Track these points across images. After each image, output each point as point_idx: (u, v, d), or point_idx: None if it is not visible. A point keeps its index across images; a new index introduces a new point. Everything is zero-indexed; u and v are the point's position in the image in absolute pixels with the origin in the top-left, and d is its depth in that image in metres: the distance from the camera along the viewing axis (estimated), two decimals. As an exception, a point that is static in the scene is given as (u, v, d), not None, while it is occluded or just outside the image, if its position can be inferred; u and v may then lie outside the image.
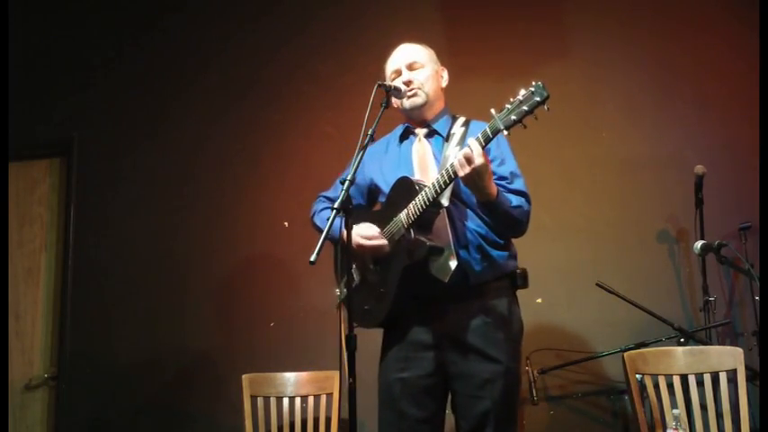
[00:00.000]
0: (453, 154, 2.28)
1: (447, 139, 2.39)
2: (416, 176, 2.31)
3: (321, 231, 2.38)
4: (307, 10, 3.84)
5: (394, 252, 2.27)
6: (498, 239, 2.31)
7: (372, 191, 2.49)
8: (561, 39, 3.52)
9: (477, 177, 2.10)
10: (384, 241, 2.27)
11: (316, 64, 3.76)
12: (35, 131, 3.99)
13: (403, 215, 2.23)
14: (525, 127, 2.05)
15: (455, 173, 2.12)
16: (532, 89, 2.03)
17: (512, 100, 2.05)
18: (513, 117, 2.03)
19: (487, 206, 2.21)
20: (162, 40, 3.98)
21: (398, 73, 2.43)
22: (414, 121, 2.47)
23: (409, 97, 2.40)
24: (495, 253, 2.29)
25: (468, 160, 2.07)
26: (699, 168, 3.09)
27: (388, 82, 2.45)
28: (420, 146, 2.42)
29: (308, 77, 3.76)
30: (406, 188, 2.27)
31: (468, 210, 2.30)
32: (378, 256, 2.30)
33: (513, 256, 2.36)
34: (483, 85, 3.48)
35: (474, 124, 2.41)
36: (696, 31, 3.42)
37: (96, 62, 4.01)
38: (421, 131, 2.45)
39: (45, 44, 4.07)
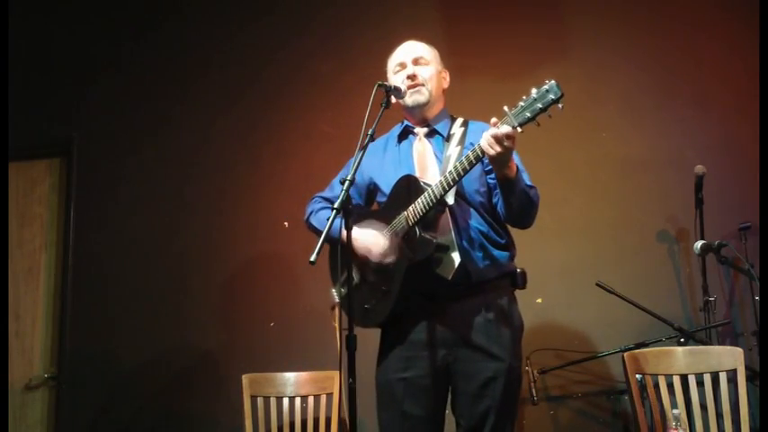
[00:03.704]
0: (455, 154, 2.30)
1: (447, 139, 2.39)
2: (417, 175, 2.31)
3: (318, 232, 2.40)
4: (307, 10, 3.84)
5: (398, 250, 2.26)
6: (499, 239, 2.32)
7: (371, 190, 2.49)
8: (561, 39, 3.52)
9: (506, 155, 2.06)
10: (392, 257, 2.24)
11: (316, 64, 3.76)
12: (35, 131, 3.99)
13: (407, 212, 2.23)
14: (539, 125, 2.02)
15: (470, 163, 2.09)
16: (546, 87, 2.00)
17: (525, 97, 2.03)
18: (528, 114, 2.01)
19: (508, 184, 2.15)
20: (162, 39, 3.99)
21: (403, 66, 2.43)
22: (414, 119, 2.47)
23: (412, 94, 2.39)
24: (496, 252, 2.30)
25: (508, 137, 2.01)
26: (699, 168, 3.09)
27: (390, 76, 2.46)
28: (420, 145, 2.42)
29: (308, 77, 3.76)
30: (409, 186, 2.27)
31: (470, 208, 2.30)
32: (382, 260, 2.27)
33: (513, 257, 2.37)
34: (483, 85, 3.48)
35: (473, 124, 2.42)
36: (696, 31, 3.42)
37: (96, 62, 4.01)
38: (421, 131, 2.45)
39: (45, 44, 4.07)
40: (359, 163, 2.13)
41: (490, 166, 2.21)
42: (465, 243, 2.24)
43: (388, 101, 2.29)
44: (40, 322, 3.88)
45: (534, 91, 2.02)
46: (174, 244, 3.74)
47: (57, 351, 3.81)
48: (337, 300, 2.41)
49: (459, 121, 2.44)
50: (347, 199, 2.05)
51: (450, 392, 2.30)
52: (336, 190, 2.48)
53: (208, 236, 3.72)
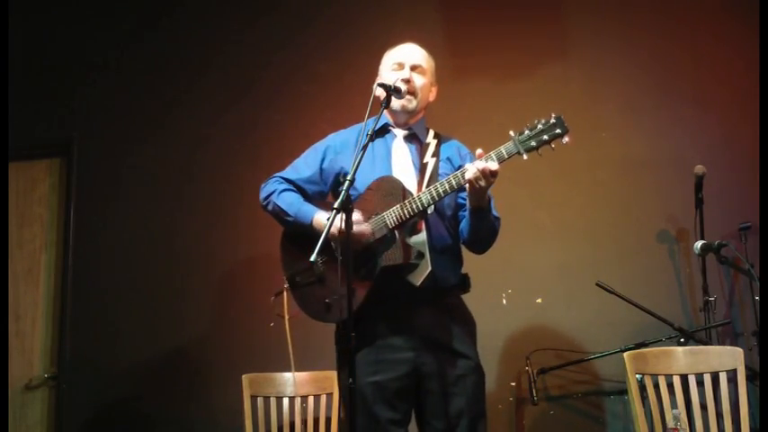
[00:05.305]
0: (431, 163, 2.36)
1: (424, 147, 2.43)
2: (394, 176, 2.33)
3: (281, 213, 2.41)
4: (306, 10, 3.85)
5: (372, 250, 2.26)
6: (459, 248, 2.41)
7: (339, 181, 2.44)
8: (561, 39, 3.53)
9: (487, 188, 2.16)
10: (369, 228, 2.26)
11: (315, 64, 3.76)
12: (35, 131, 3.99)
13: (388, 215, 2.24)
14: (541, 155, 2.12)
15: (458, 185, 2.18)
16: (554, 120, 2.12)
17: (530, 126, 2.13)
18: (533, 144, 2.12)
19: (480, 213, 2.25)
20: (162, 39, 3.98)
21: (401, 66, 2.43)
22: (394, 119, 2.48)
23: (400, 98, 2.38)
24: (456, 259, 2.41)
25: (493, 174, 2.12)
26: (699, 168, 3.09)
27: (383, 69, 2.47)
28: (399, 147, 2.44)
29: (308, 77, 3.76)
30: (391, 189, 2.28)
31: (442, 220, 2.35)
32: (358, 244, 2.24)
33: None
34: (483, 86, 3.49)
35: (445, 139, 2.49)
36: (696, 31, 3.42)
37: (96, 62, 4.01)
38: (400, 132, 2.47)
39: (45, 44, 4.07)
40: (358, 163, 2.12)
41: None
42: (435, 251, 2.28)
43: (389, 100, 2.30)
44: (40, 322, 3.88)
45: (541, 121, 2.12)
46: (174, 244, 3.74)
47: (57, 351, 3.81)
48: (286, 285, 2.40)
49: (432, 132, 2.50)
50: (347, 198, 2.05)
51: (419, 395, 2.30)
52: (302, 172, 2.50)
53: (207, 236, 3.72)
